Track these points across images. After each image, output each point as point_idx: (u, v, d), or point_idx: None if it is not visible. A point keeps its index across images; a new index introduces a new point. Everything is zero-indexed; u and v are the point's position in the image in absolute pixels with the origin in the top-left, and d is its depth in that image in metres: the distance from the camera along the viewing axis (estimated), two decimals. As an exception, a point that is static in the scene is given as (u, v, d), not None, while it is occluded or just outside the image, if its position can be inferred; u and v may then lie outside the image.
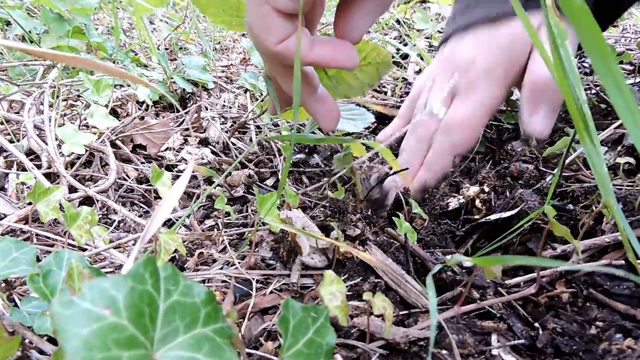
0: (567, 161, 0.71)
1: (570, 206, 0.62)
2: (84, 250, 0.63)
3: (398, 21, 1.66)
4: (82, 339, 0.20)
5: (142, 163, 0.95)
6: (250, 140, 1.08)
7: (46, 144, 0.85)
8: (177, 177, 0.90)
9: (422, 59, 1.38)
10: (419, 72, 1.40)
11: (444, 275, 0.53)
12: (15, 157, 0.84)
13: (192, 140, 1.02)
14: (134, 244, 0.68)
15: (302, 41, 0.42)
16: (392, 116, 1.10)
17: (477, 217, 0.64)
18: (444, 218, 0.67)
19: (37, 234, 0.65)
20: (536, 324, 0.47)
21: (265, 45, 0.42)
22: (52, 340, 0.42)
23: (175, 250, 0.52)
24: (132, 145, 1.00)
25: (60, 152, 0.85)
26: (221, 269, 0.60)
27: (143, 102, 1.12)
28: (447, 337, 0.43)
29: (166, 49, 1.51)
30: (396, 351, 0.43)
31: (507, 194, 0.65)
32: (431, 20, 1.77)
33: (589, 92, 1.01)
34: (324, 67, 0.45)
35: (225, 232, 0.70)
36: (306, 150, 1.02)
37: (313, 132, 0.89)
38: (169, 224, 0.78)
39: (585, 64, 1.22)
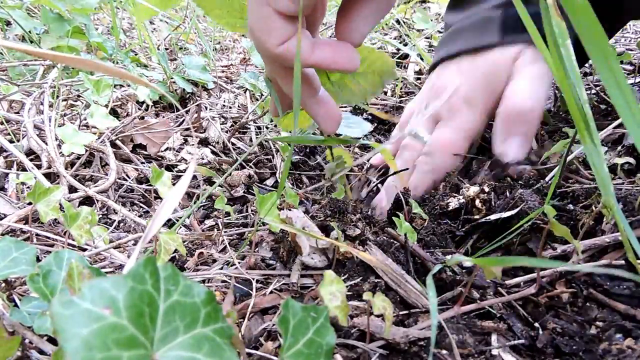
0: (566, 161, 0.71)
1: (571, 206, 0.62)
2: (84, 250, 0.63)
3: (398, 21, 1.66)
4: (82, 339, 0.20)
5: (142, 163, 0.95)
6: (250, 140, 1.08)
7: (46, 144, 0.85)
8: (177, 177, 0.90)
9: (422, 59, 1.38)
10: (419, 72, 1.40)
11: (444, 275, 0.53)
12: (15, 157, 0.84)
13: (192, 140, 1.02)
14: (134, 244, 0.68)
15: (303, 43, 0.42)
16: (387, 120, 1.10)
17: (477, 217, 0.64)
18: (444, 218, 0.67)
19: (37, 234, 0.65)
20: (536, 324, 0.47)
21: (266, 47, 0.42)
22: (52, 340, 0.42)
23: (175, 250, 0.52)
24: (132, 145, 1.00)
25: (60, 152, 0.85)
26: (221, 269, 0.60)
27: (143, 102, 1.12)
28: (447, 337, 0.43)
29: (166, 49, 1.51)
30: (396, 351, 0.43)
31: (507, 194, 0.65)
32: (431, 20, 1.77)
33: (589, 92, 1.01)
34: (325, 69, 0.45)
35: (225, 232, 0.70)
36: (307, 150, 1.02)
37: (313, 134, 0.89)
38: (169, 224, 0.78)
39: (585, 64, 1.22)
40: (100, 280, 0.23)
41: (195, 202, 0.82)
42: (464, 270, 0.55)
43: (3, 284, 0.44)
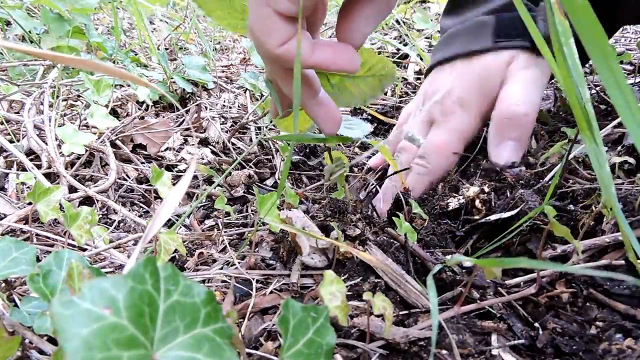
0: (567, 161, 0.71)
1: (571, 206, 0.62)
2: (84, 250, 0.63)
3: (398, 21, 1.66)
4: (82, 339, 0.20)
5: (142, 163, 0.95)
6: (250, 140, 1.08)
7: (46, 144, 0.85)
8: (177, 177, 0.90)
9: (422, 59, 1.38)
10: (419, 72, 1.40)
11: (444, 275, 0.53)
12: (15, 157, 0.84)
13: (193, 140, 1.02)
14: (134, 244, 0.68)
15: (303, 44, 0.42)
16: (387, 122, 1.11)
17: (477, 217, 0.64)
18: (444, 218, 0.67)
19: (37, 234, 0.65)
20: (536, 324, 0.47)
21: (266, 48, 0.42)
22: (52, 340, 0.42)
23: (175, 250, 0.52)
24: (132, 145, 1.00)
25: (60, 152, 0.85)
26: (221, 269, 0.60)
27: (143, 102, 1.12)
28: (447, 337, 0.43)
29: (166, 49, 1.51)
30: (396, 351, 0.43)
31: (508, 194, 0.65)
32: (431, 20, 1.77)
33: (589, 92, 1.01)
34: (325, 70, 0.45)
35: (225, 232, 0.70)
36: (307, 150, 1.02)
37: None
38: (169, 224, 0.78)
39: (585, 65, 1.22)
40: (100, 280, 0.23)
41: (195, 202, 0.82)
42: (464, 270, 0.55)
43: (3, 284, 0.44)
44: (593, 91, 1.00)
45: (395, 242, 0.58)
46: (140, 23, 1.38)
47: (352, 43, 0.44)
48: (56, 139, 0.87)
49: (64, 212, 0.54)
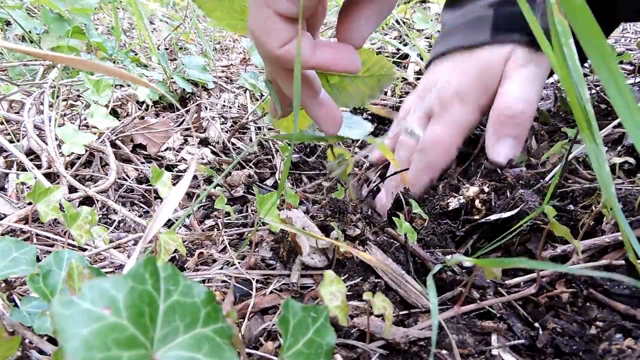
0: (567, 161, 0.71)
1: (571, 206, 0.62)
2: (84, 250, 0.63)
3: (398, 21, 1.66)
4: (82, 339, 0.20)
5: (142, 163, 0.95)
6: (250, 140, 1.08)
7: (46, 144, 0.85)
8: (177, 177, 0.90)
9: (422, 59, 1.38)
10: (419, 72, 1.40)
11: (444, 275, 0.53)
12: (15, 157, 0.84)
13: (193, 140, 1.02)
14: (134, 244, 0.68)
15: (304, 45, 0.42)
16: (389, 118, 1.11)
17: (477, 217, 0.64)
18: (444, 218, 0.67)
19: (37, 234, 0.65)
20: (536, 324, 0.47)
21: (267, 48, 0.42)
22: (52, 340, 0.42)
23: (175, 250, 0.52)
24: (132, 145, 1.00)
25: (60, 152, 0.85)
26: (221, 269, 0.60)
27: (143, 102, 1.12)
28: (447, 337, 0.43)
29: (166, 49, 1.51)
30: (396, 351, 0.43)
31: (508, 194, 0.65)
32: (431, 20, 1.77)
33: (589, 92, 1.01)
34: (326, 71, 0.45)
35: (225, 232, 0.70)
36: (307, 150, 1.02)
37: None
38: (169, 224, 0.78)
39: (585, 64, 1.22)
40: (100, 280, 0.23)
41: (195, 202, 0.82)
42: (464, 270, 0.55)
43: (3, 284, 0.44)
44: (593, 91, 1.00)
45: (395, 242, 0.58)
46: (140, 23, 1.38)
47: (352, 43, 0.44)
48: (56, 139, 0.87)
49: (64, 212, 0.54)
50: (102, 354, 0.20)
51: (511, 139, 0.69)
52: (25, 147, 0.90)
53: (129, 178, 0.90)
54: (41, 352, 0.42)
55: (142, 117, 1.08)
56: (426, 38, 1.65)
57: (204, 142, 1.04)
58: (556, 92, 1.02)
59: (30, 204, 0.73)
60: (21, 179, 0.72)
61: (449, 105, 0.73)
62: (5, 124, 0.94)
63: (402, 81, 1.33)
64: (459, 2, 0.82)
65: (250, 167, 0.96)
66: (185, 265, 0.62)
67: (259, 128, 1.11)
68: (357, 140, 1.07)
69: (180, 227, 0.77)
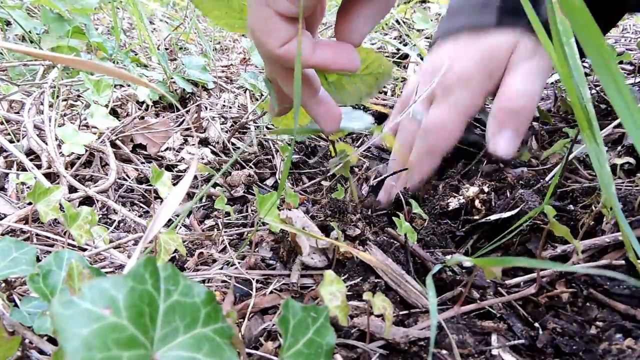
0: (567, 161, 0.71)
1: (571, 206, 0.62)
2: (84, 250, 0.63)
3: (398, 21, 1.66)
4: (82, 339, 0.20)
5: (142, 163, 0.95)
6: (251, 140, 1.08)
7: (46, 144, 0.85)
8: (177, 177, 0.90)
9: (422, 59, 1.38)
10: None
11: (444, 275, 0.53)
12: (15, 157, 0.84)
13: (193, 140, 1.02)
14: (134, 244, 0.68)
15: (304, 44, 0.42)
16: (387, 117, 1.10)
17: (477, 217, 0.64)
18: (444, 218, 0.67)
19: (37, 234, 0.65)
20: (536, 324, 0.47)
21: (267, 48, 0.42)
22: (52, 340, 0.42)
23: (175, 250, 0.52)
24: (132, 145, 1.00)
25: (60, 152, 0.85)
26: (221, 269, 0.60)
27: (143, 102, 1.12)
28: (447, 337, 0.43)
29: (166, 49, 1.51)
30: (396, 351, 0.43)
31: (508, 194, 0.66)
32: (431, 20, 1.77)
33: (589, 92, 1.01)
34: (326, 69, 0.45)
35: (225, 232, 0.70)
36: (307, 150, 1.02)
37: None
38: (168, 224, 0.78)
39: (585, 64, 1.22)
40: (100, 280, 0.23)
41: (194, 202, 0.82)
42: (464, 270, 0.55)
43: (3, 284, 0.44)
44: (593, 91, 1.00)
45: (395, 242, 0.58)
46: (140, 23, 1.38)
47: (351, 42, 0.44)
48: (56, 139, 0.87)
49: (64, 212, 0.54)
50: (102, 354, 0.20)
51: (511, 132, 0.69)
52: (25, 147, 0.90)
53: (129, 178, 0.90)
54: (41, 352, 0.42)
55: (142, 117, 1.08)
56: (426, 38, 1.65)
57: (204, 142, 1.04)
58: (556, 92, 1.02)
59: (30, 204, 0.73)
60: (21, 179, 0.72)
61: (452, 88, 0.72)
62: (5, 124, 0.94)
63: (402, 81, 1.33)
64: None
65: (250, 167, 0.96)
66: (185, 265, 0.62)
67: (259, 127, 1.11)
68: (358, 140, 1.07)
69: (180, 227, 0.77)
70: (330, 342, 0.33)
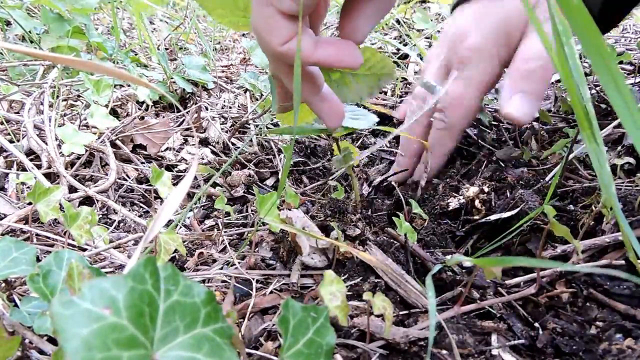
0: (567, 161, 0.71)
1: (571, 206, 0.62)
2: (84, 250, 0.63)
3: (398, 21, 1.66)
4: (82, 339, 0.20)
5: (142, 163, 0.95)
6: (251, 140, 1.08)
7: (46, 144, 0.85)
8: (177, 177, 0.90)
9: (422, 59, 1.38)
10: (419, 72, 1.40)
11: (444, 275, 0.53)
12: (15, 157, 0.84)
13: (193, 140, 1.02)
14: (134, 244, 0.68)
15: (306, 42, 0.42)
16: (391, 116, 1.10)
17: (477, 217, 0.64)
18: (444, 218, 0.67)
19: (37, 234, 0.65)
20: (536, 324, 0.47)
21: (270, 46, 0.43)
22: (52, 340, 0.42)
23: (175, 250, 0.52)
24: (132, 145, 1.00)
25: (60, 152, 0.85)
26: (221, 269, 0.60)
27: (143, 102, 1.12)
28: (447, 337, 0.43)
29: (166, 49, 1.51)
30: (396, 351, 0.43)
31: (508, 194, 0.66)
32: (431, 20, 1.77)
33: (589, 92, 1.01)
34: (328, 67, 0.45)
35: (225, 232, 0.70)
36: (307, 151, 1.02)
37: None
38: (168, 224, 0.78)
39: (585, 64, 1.22)
40: (100, 280, 0.23)
41: (195, 202, 0.82)
42: (464, 270, 0.55)
43: (3, 284, 0.44)
44: (593, 91, 1.00)
45: (395, 242, 0.58)
46: (140, 23, 1.38)
47: (354, 40, 0.45)
48: (56, 139, 0.87)
49: (64, 212, 0.54)
50: (102, 354, 0.20)
51: (527, 95, 0.66)
52: (25, 147, 0.90)
53: (129, 178, 0.90)
54: (41, 352, 0.42)
55: (142, 117, 1.08)
56: (426, 38, 1.65)
57: (204, 142, 1.04)
58: (556, 92, 1.02)
59: (30, 204, 0.73)
60: (21, 179, 0.72)
61: (468, 61, 0.71)
62: (5, 124, 0.94)
63: (402, 81, 1.33)
64: None
65: (251, 167, 0.96)
66: (185, 265, 0.62)
67: (259, 127, 1.11)
68: (358, 140, 1.07)
69: (180, 227, 0.77)
70: (330, 342, 0.33)
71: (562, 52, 0.29)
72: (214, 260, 0.63)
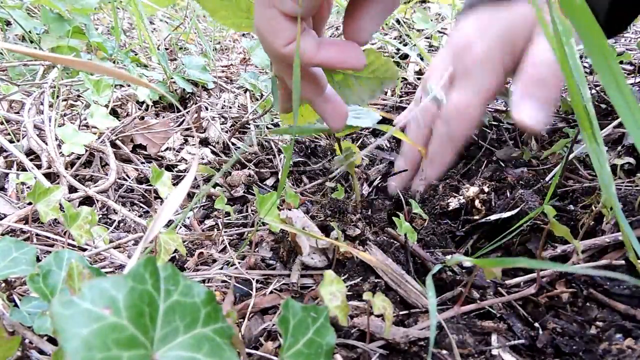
0: (567, 161, 0.71)
1: (571, 206, 0.62)
2: (84, 250, 0.63)
3: (398, 21, 1.66)
4: (82, 339, 0.20)
5: (142, 163, 0.95)
6: (251, 140, 1.08)
7: (46, 144, 0.85)
8: (177, 177, 0.90)
9: (422, 59, 1.38)
10: (419, 72, 1.40)
11: (444, 275, 0.53)
12: (15, 157, 0.84)
13: (193, 140, 1.02)
14: (134, 244, 0.68)
15: (308, 43, 0.42)
16: (389, 119, 1.10)
17: (477, 217, 0.64)
18: (444, 218, 0.67)
19: (37, 234, 0.65)
20: (536, 324, 0.47)
21: (273, 47, 0.43)
22: (52, 340, 0.42)
23: (175, 250, 0.52)
24: (132, 145, 1.00)
25: (60, 152, 0.85)
26: (221, 269, 0.60)
27: (143, 102, 1.12)
28: (447, 337, 0.43)
29: (166, 49, 1.51)
30: (396, 351, 0.43)
31: (508, 194, 0.66)
32: (431, 20, 1.77)
33: (589, 92, 1.01)
34: (331, 68, 0.45)
35: (225, 232, 0.70)
36: (307, 151, 1.02)
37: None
38: (169, 224, 0.78)
39: (585, 64, 1.22)
40: (100, 280, 0.23)
41: (195, 202, 0.82)
42: (464, 270, 0.55)
43: (3, 284, 0.44)
44: (593, 91, 1.00)
45: (395, 242, 0.58)
46: (140, 23, 1.38)
47: (358, 40, 0.45)
48: (56, 139, 0.87)
49: (64, 212, 0.54)
50: (102, 354, 0.20)
51: (539, 101, 0.64)
52: (25, 147, 0.90)
53: (129, 178, 0.90)
54: (41, 352, 0.42)
55: (142, 117, 1.08)
56: (426, 38, 1.65)
57: (204, 142, 1.04)
58: (556, 92, 1.02)
59: (30, 204, 0.73)
60: (21, 179, 0.72)
61: (473, 71, 0.70)
62: (5, 124, 0.94)
63: (402, 81, 1.33)
64: None
65: (251, 167, 0.96)
66: (185, 265, 0.62)
67: (259, 128, 1.11)
68: (358, 140, 1.07)
69: (180, 227, 0.77)
70: (330, 342, 0.33)
71: (562, 52, 0.29)
72: (214, 260, 0.63)
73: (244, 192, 0.87)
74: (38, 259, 0.48)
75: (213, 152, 1.00)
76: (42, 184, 0.72)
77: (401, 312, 0.49)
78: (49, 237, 0.66)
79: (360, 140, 1.06)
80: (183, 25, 1.67)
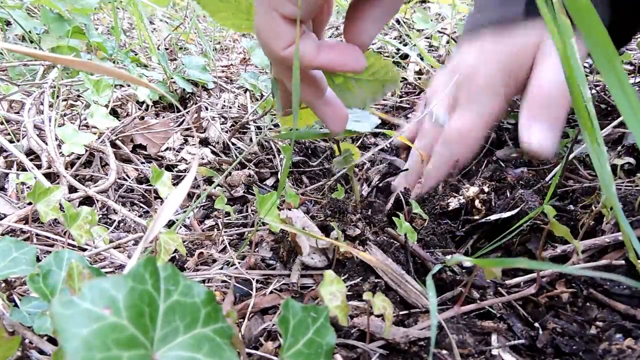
0: (567, 161, 0.71)
1: (571, 206, 0.62)
2: (84, 250, 0.63)
3: (398, 21, 1.66)
4: (82, 339, 0.20)
5: (142, 163, 0.95)
6: (251, 140, 1.08)
7: (46, 144, 0.85)
8: (177, 177, 0.90)
9: (422, 59, 1.38)
10: (419, 72, 1.40)
11: (444, 275, 0.53)
12: (15, 157, 0.84)
13: (194, 140, 1.02)
14: (134, 244, 0.68)
15: (308, 46, 0.42)
16: (388, 121, 1.10)
17: (477, 217, 0.64)
18: (444, 218, 0.67)
19: (37, 234, 0.65)
20: (536, 324, 0.47)
21: (273, 50, 0.43)
22: (52, 340, 0.42)
23: (175, 250, 0.52)
24: (132, 145, 1.00)
25: (60, 152, 0.85)
26: (221, 269, 0.60)
27: (143, 102, 1.12)
28: (447, 337, 0.43)
29: (166, 49, 1.51)
30: (396, 351, 0.43)
31: (508, 194, 0.65)
32: (431, 20, 1.77)
33: (589, 92, 1.01)
34: (331, 71, 0.45)
35: (225, 232, 0.70)
36: (307, 152, 1.02)
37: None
38: (169, 223, 0.78)
39: (585, 64, 1.22)
40: (100, 280, 0.23)
41: (195, 202, 0.82)
42: (464, 270, 0.55)
43: (3, 284, 0.44)
44: (593, 91, 1.00)
45: (395, 242, 0.58)
46: (140, 23, 1.38)
47: (360, 43, 0.45)
48: (56, 139, 0.87)
49: (64, 212, 0.54)
50: (102, 354, 0.20)
51: (548, 123, 0.64)
52: (25, 147, 0.90)
53: (129, 178, 0.90)
54: (41, 352, 0.42)
55: (142, 117, 1.08)
56: (426, 38, 1.65)
57: (204, 142, 1.04)
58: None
59: (30, 204, 0.73)
60: (21, 179, 0.72)
61: (475, 97, 0.70)
62: (5, 124, 0.94)
63: (402, 81, 1.33)
64: None
65: (251, 167, 0.96)
66: (185, 265, 0.62)
67: (259, 128, 1.11)
68: (358, 141, 1.07)
69: (180, 227, 0.77)
70: (330, 342, 0.33)
71: (564, 52, 0.29)
72: (214, 260, 0.63)
73: (244, 192, 0.88)
74: (38, 259, 0.48)
75: (213, 152, 1.00)
76: (42, 184, 0.72)
77: (401, 312, 0.49)
78: (49, 237, 0.65)
79: (360, 140, 1.06)
80: (183, 25, 1.67)
